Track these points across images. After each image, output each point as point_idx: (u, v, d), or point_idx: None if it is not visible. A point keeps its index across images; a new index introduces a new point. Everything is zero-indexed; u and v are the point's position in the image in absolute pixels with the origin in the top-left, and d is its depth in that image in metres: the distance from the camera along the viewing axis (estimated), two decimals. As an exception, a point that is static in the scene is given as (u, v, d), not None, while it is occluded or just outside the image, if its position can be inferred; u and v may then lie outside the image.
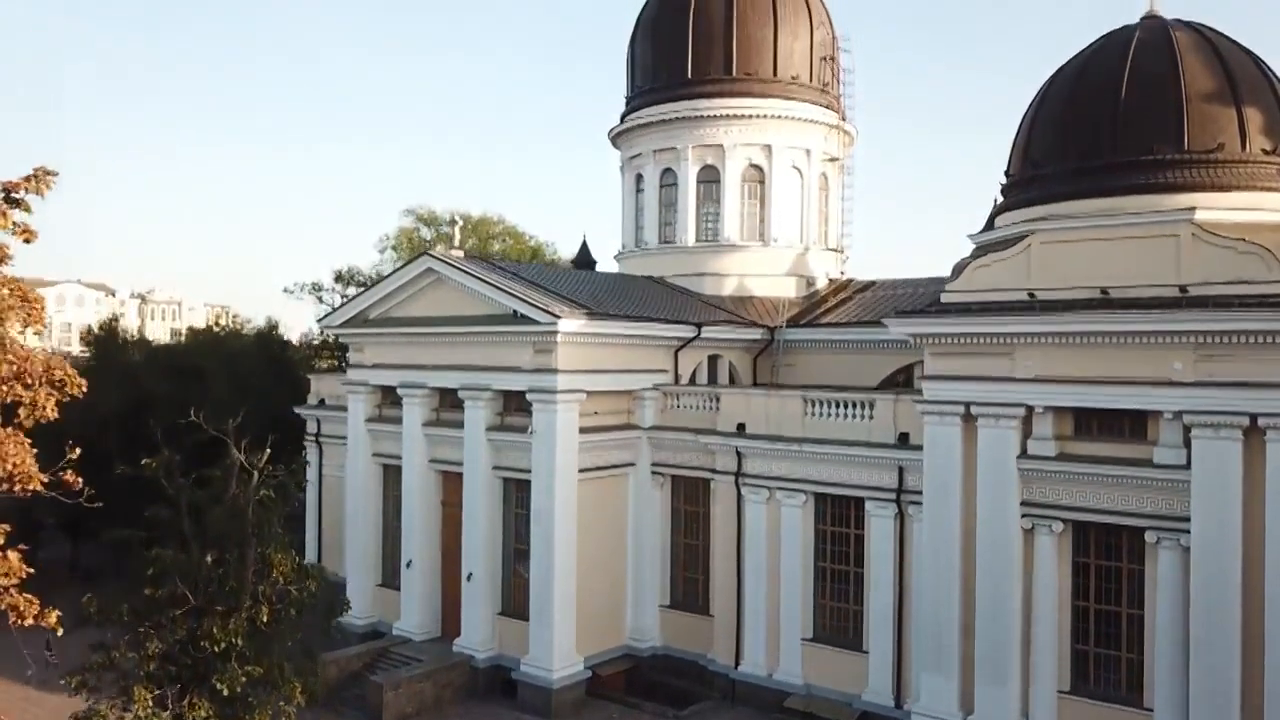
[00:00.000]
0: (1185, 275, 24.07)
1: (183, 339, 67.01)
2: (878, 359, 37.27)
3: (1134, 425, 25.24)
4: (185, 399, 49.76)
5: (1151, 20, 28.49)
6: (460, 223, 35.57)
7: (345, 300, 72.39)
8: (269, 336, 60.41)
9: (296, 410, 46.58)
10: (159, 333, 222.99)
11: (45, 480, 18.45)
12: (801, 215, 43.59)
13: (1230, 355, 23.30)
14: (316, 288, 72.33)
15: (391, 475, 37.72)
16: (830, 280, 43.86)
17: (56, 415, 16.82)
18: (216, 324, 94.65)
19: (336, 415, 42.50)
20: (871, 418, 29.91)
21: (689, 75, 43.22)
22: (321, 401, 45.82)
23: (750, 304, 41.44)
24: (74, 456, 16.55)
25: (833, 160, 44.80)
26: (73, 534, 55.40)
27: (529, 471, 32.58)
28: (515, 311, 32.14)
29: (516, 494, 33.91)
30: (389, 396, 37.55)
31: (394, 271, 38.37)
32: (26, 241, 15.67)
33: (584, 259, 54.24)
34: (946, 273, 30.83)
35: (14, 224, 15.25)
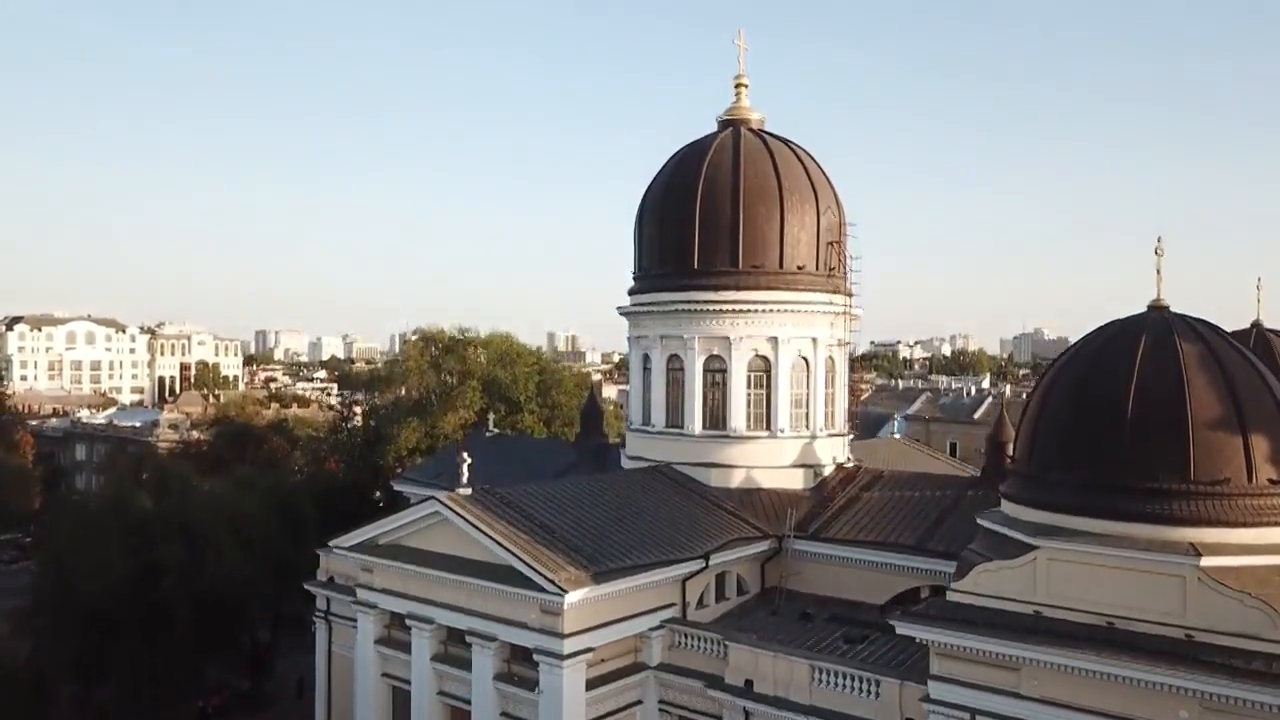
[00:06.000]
0: (1191, 618, 24.22)
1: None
2: (886, 577, 37.39)
3: (1142, 755, 25.34)
4: (195, 565, 50.76)
5: (1157, 312, 28.45)
6: (469, 459, 35.63)
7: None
8: (277, 485, 60.67)
9: (306, 586, 46.81)
10: (169, 368, 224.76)
11: None
12: (808, 404, 43.59)
13: (1236, 713, 23.31)
14: (328, 392, 72.77)
15: (401, 698, 37.90)
16: (838, 466, 43.89)
17: None
18: (226, 416, 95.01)
19: (347, 598, 42.57)
20: (878, 697, 29.97)
21: (695, 265, 43.27)
22: (331, 579, 45.98)
23: (758, 497, 41.49)
24: None
25: (840, 344, 44.83)
26: (85, 675, 56.00)
27: (537, 726, 32.75)
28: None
29: (525, 743, 34.05)
30: (398, 619, 37.72)
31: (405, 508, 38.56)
32: None
33: (591, 408, 54.99)
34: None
35: None
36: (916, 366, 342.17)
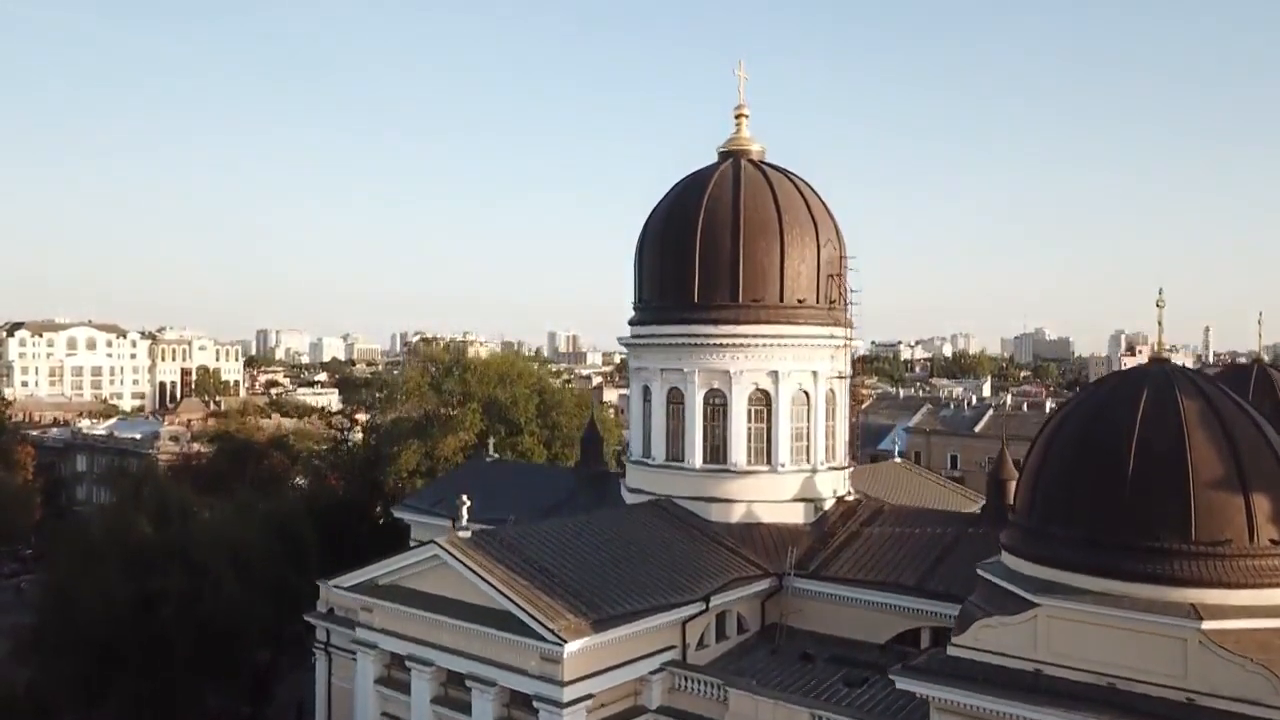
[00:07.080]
0: (1192, 681, 24.15)
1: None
2: (887, 617, 37.35)
3: (1142, 815, 25.28)
4: (194, 593, 50.75)
5: (1159, 365, 28.39)
6: (469, 500, 35.56)
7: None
8: (278, 509, 60.67)
9: (306, 618, 46.76)
10: (170, 374, 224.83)
11: None
12: (809, 437, 43.48)
13: (1239, 781, 23.28)
14: (327, 409, 72.90)
15: (400, 739, 37.85)
16: (839, 499, 43.80)
17: None
18: (226, 431, 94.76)
19: (347, 631, 42.53)
20: (878, 748, 29.95)
21: (695, 299, 43.15)
22: (331, 611, 45.91)
23: (758, 532, 41.39)
24: None
25: (841, 376, 44.73)
26: (86, 702, 56.03)
27: (537, 772, 32.68)
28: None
29: (525, 788, 33.98)
30: (398, 659, 37.64)
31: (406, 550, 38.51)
32: None
33: (591, 435, 54.95)
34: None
35: None
36: (918, 369, 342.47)
